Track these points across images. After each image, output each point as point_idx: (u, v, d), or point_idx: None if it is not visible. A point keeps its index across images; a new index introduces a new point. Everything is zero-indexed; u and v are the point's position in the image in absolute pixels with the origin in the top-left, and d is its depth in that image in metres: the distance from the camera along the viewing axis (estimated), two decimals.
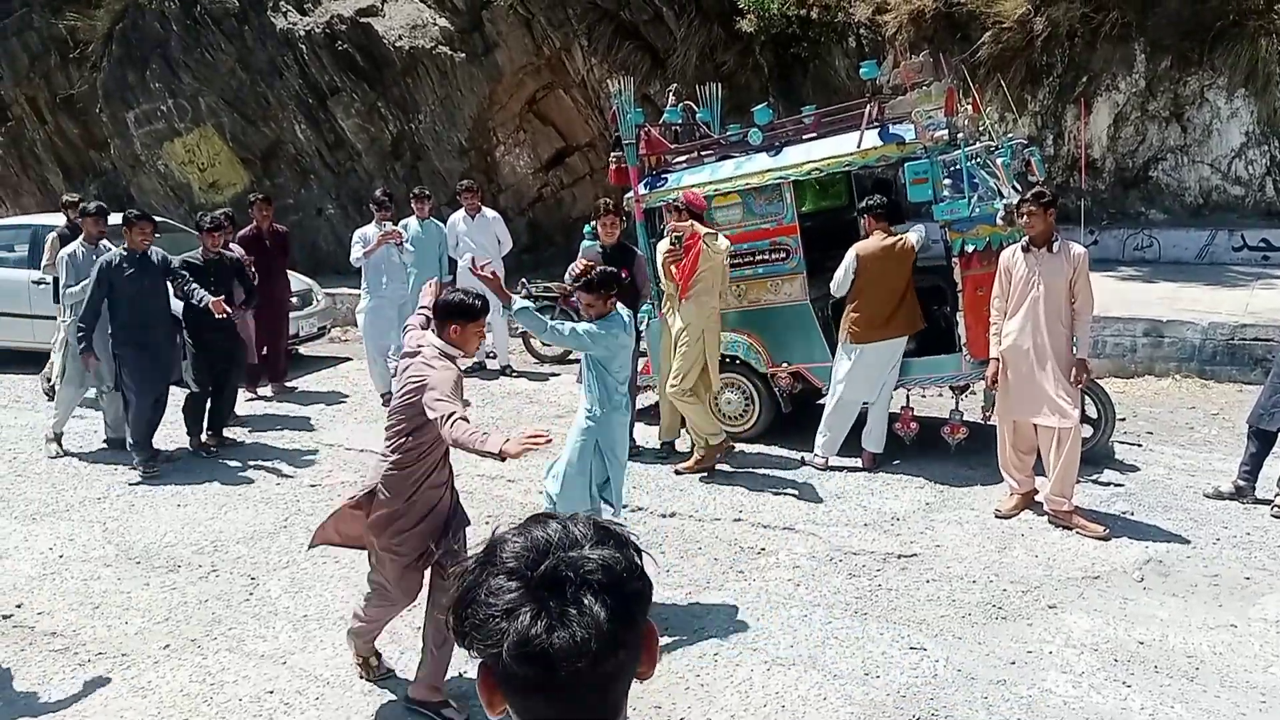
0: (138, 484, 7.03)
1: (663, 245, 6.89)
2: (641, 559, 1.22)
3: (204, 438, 7.78)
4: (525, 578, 1.14)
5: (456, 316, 4.02)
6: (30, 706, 4.24)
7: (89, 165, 16.67)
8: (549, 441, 3.64)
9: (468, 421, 3.74)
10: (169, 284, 7.38)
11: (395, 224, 9.19)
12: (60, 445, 7.81)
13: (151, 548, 5.89)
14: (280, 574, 5.48)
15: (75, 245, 7.75)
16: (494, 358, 10.21)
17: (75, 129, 16.45)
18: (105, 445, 7.94)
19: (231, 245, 8.36)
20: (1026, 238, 5.76)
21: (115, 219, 8.17)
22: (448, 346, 4.04)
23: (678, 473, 6.90)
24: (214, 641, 4.75)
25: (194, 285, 7.34)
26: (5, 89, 16.65)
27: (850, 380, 6.75)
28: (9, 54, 16.30)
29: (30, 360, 10.32)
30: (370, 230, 9.05)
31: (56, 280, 8.08)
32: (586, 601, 1.13)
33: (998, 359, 5.91)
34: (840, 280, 6.70)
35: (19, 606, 5.14)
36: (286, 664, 4.52)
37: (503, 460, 3.64)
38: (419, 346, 4.07)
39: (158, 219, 8.24)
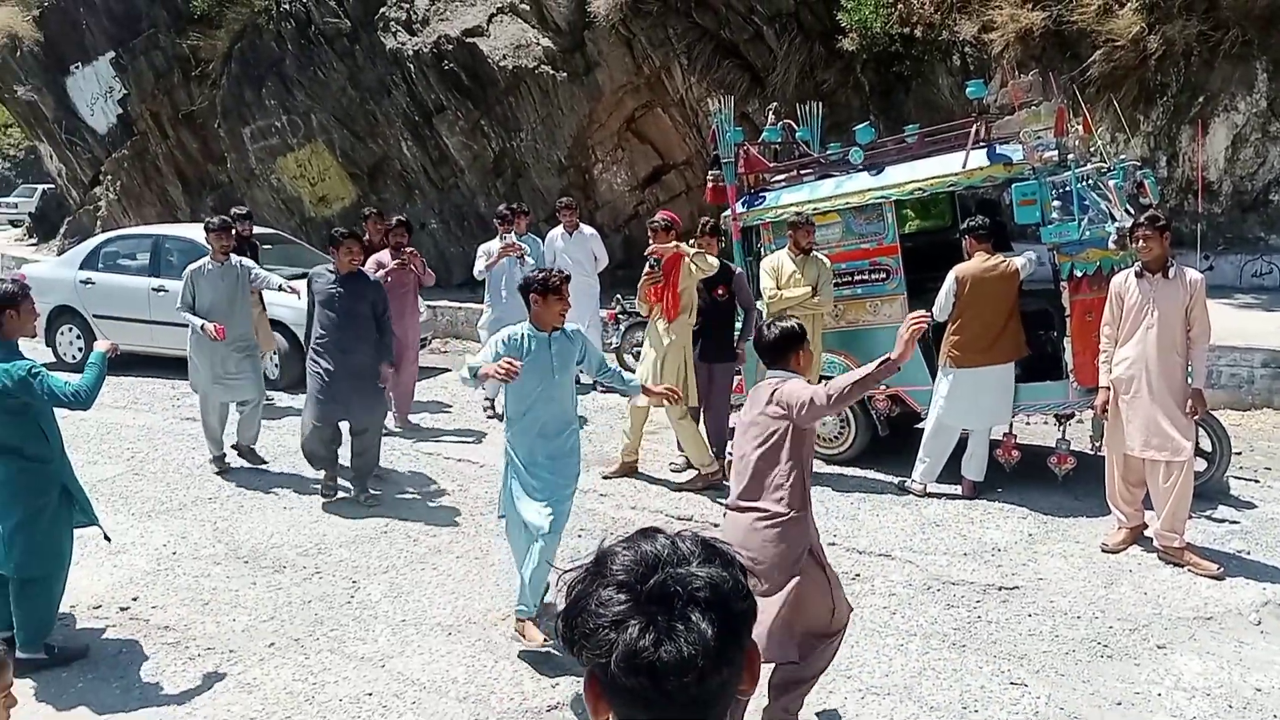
0: (253, 487, 7.24)
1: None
2: (746, 579, 1.23)
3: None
4: (634, 591, 1.17)
5: (792, 344, 3.84)
6: (145, 696, 4.42)
7: (206, 178, 17.40)
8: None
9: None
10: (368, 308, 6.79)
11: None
12: (222, 461, 7.58)
13: (259, 548, 6.09)
14: (380, 578, 5.62)
15: (204, 260, 7.49)
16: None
17: (195, 143, 17.20)
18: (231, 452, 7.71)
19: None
20: (1140, 263, 5.58)
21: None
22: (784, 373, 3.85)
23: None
24: (316, 641, 4.89)
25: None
26: (132, 105, 17.51)
27: (949, 405, 6.61)
28: (136, 72, 17.15)
29: (150, 364, 10.78)
30: (494, 244, 9.19)
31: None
32: (694, 618, 1.15)
33: (1108, 388, 5.72)
34: (942, 303, 6.58)
35: (135, 600, 5.37)
36: (385, 667, 4.63)
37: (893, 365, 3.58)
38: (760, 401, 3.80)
39: (269, 230, 8.54)
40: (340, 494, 6.92)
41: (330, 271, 6.88)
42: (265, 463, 7.73)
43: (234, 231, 7.96)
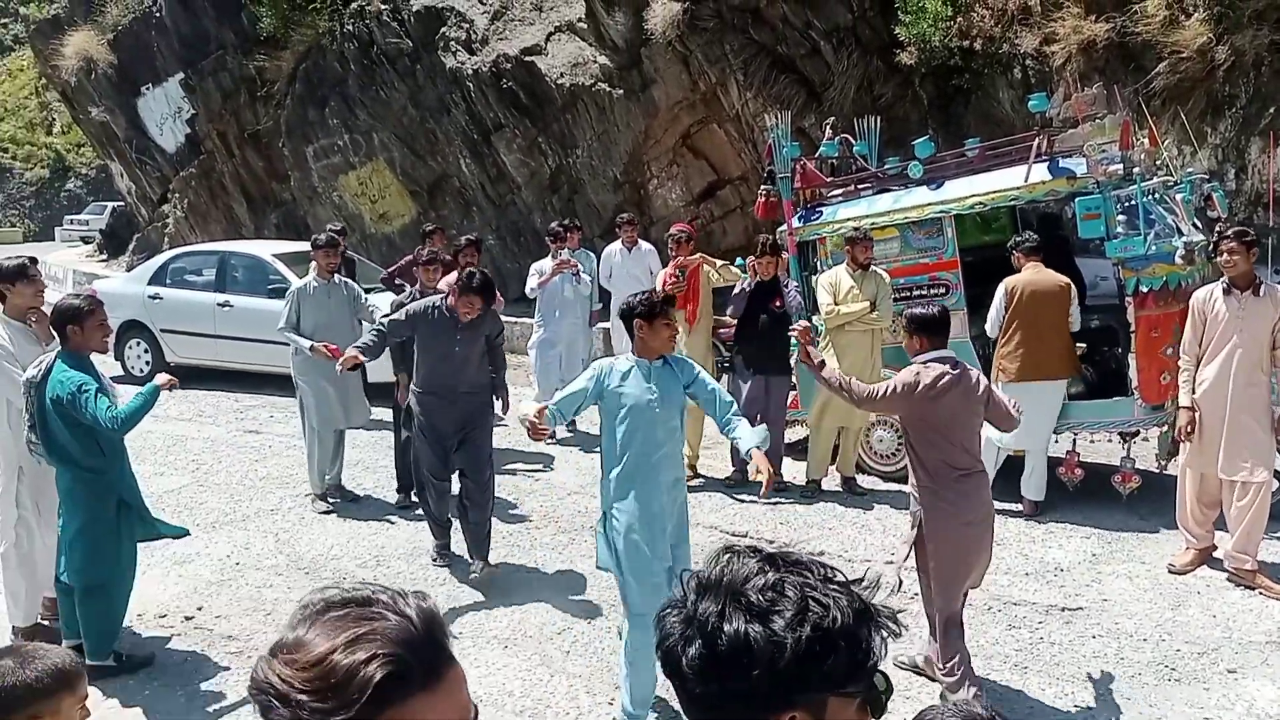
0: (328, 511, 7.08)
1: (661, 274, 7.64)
2: None
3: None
4: None
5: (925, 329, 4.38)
6: (208, 705, 4.51)
7: (270, 196, 17.78)
8: None
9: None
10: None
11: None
12: (325, 500, 7.18)
13: (319, 559, 6.18)
14: (437, 590, 5.66)
15: (309, 278, 7.24)
16: None
17: (260, 162, 17.58)
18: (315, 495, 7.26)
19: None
20: (1226, 279, 5.42)
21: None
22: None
23: None
24: None
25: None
26: (200, 125, 17.97)
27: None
28: (204, 93, 17.61)
29: (215, 378, 11.03)
30: (546, 262, 9.01)
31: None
32: None
33: (1191, 407, 5.54)
34: (993, 318, 6.53)
35: (200, 609, 5.49)
36: None
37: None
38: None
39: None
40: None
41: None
42: (357, 498, 7.36)
43: (340, 249, 7.58)
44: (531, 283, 9.03)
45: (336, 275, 7.32)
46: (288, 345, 7.51)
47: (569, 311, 8.97)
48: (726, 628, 1.13)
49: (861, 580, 1.23)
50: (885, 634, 1.19)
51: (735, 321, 7.45)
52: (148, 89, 18.52)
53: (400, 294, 7.42)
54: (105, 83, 18.63)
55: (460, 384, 5.78)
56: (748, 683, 1.12)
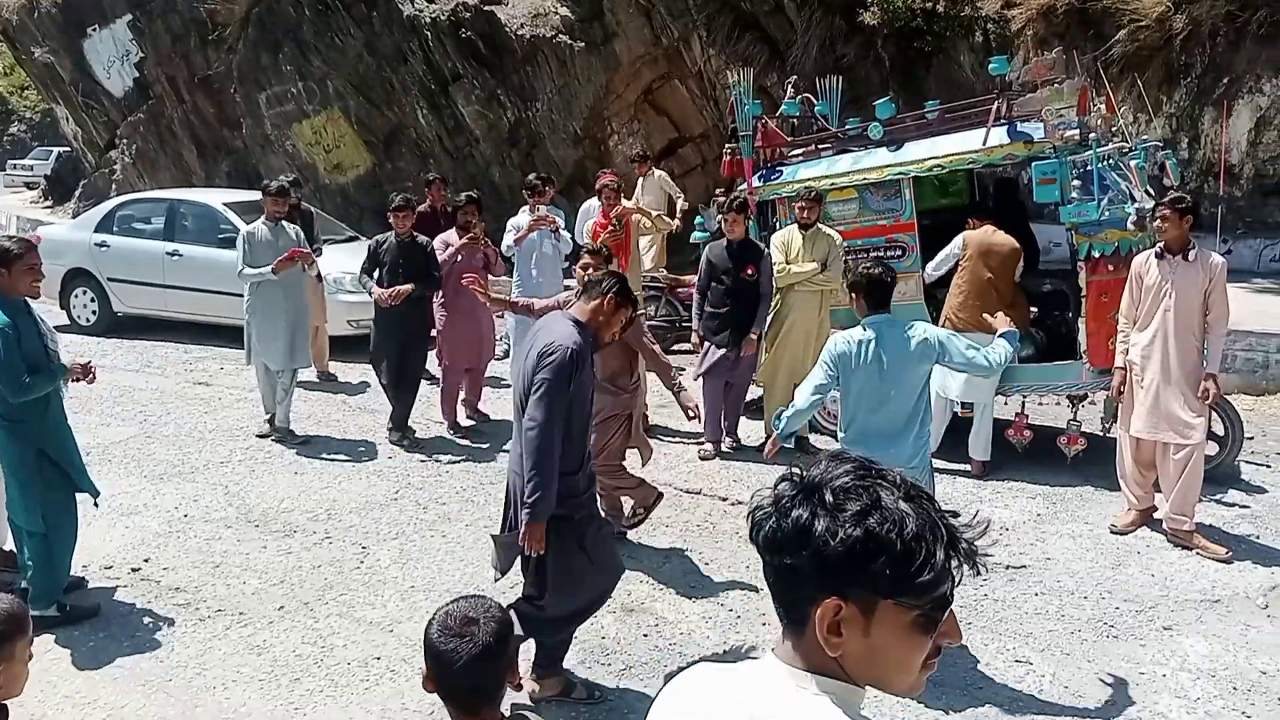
0: (271, 451, 7.28)
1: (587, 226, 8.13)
2: None
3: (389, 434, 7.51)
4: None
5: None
6: (155, 656, 4.47)
7: (221, 143, 17.38)
8: None
9: None
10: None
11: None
12: (273, 427, 7.56)
13: (269, 512, 6.13)
14: (390, 544, 5.65)
15: (257, 222, 7.63)
16: None
17: (211, 108, 17.16)
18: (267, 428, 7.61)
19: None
20: (1161, 244, 5.53)
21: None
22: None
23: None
24: (325, 606, 4.93)
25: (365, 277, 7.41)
26: (149, 68, 17.48)
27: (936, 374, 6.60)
28: (153, 35, 17.11)
29: (163, 328, 10.84)
30: (522, 217, 8.40)
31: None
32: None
33: (1124, 368, 5.70)
34: (938, 261, 6.70)
35: (146, 561, 5.42)
36: (393, 632, 4.66)
37: None
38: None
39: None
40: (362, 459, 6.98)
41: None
42: (302, 440, 7.49)
43: (290, 196, 7.93)
44: (507, 239, 8.42)
45: (284, 220, 7.61)
46: (239, 296, 7.53)
47: (547, 269, 8.32)
48: (794, 511, 1.27)
49: (958, 515, 1.31)
50: (962, 566, 1.27)
51: (694, 282, 7.45)
52: (94, 30, 17.95)
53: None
54: (49, 23, 18.04)
55: None
56: (800, 561, 1.26)
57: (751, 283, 7.06)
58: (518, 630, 3.57)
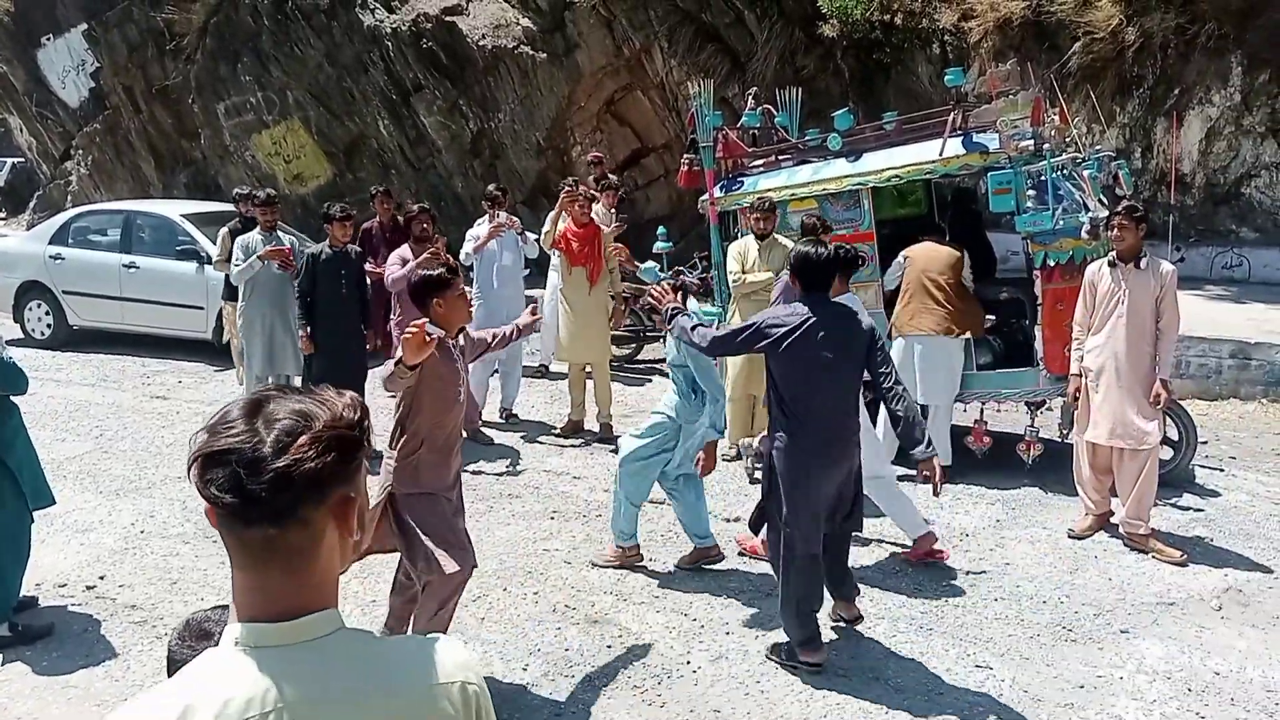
0: None
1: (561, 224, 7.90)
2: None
3: None
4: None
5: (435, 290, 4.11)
6: (111, 674, 4.39)
7: (180, 154, 17.18)
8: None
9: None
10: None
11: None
12: None
13: None
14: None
15: (254, 233, 7.66)
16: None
17: (169, 119, 16.95)
18: None
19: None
20: (1114, 252, 5.63)
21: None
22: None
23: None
24: None
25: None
26: (105, 79, 17.24)
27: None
28: (110, 45, 16.88)
29: (120, 341, 10.69)
30: (481, 226, 8.31)
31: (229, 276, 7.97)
32: None
33: (1079, 375, 5.79)
34: (889, 275, 6.84)
35: (102, 578, 5.33)
36: None
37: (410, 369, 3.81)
38: None
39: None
40: None
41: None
42: None
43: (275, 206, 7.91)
44: (467, 247, 8.30)
45: (277, 230, 7.69)
46: (198, 309, 7.47)
47: (508, 279, 8.31)
48: None
49: None
50: None
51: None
52: (48, 40, 17.70)
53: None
54: (1, 32, 17.76)
55: None
56: None
57: None
58: None
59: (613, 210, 8.97)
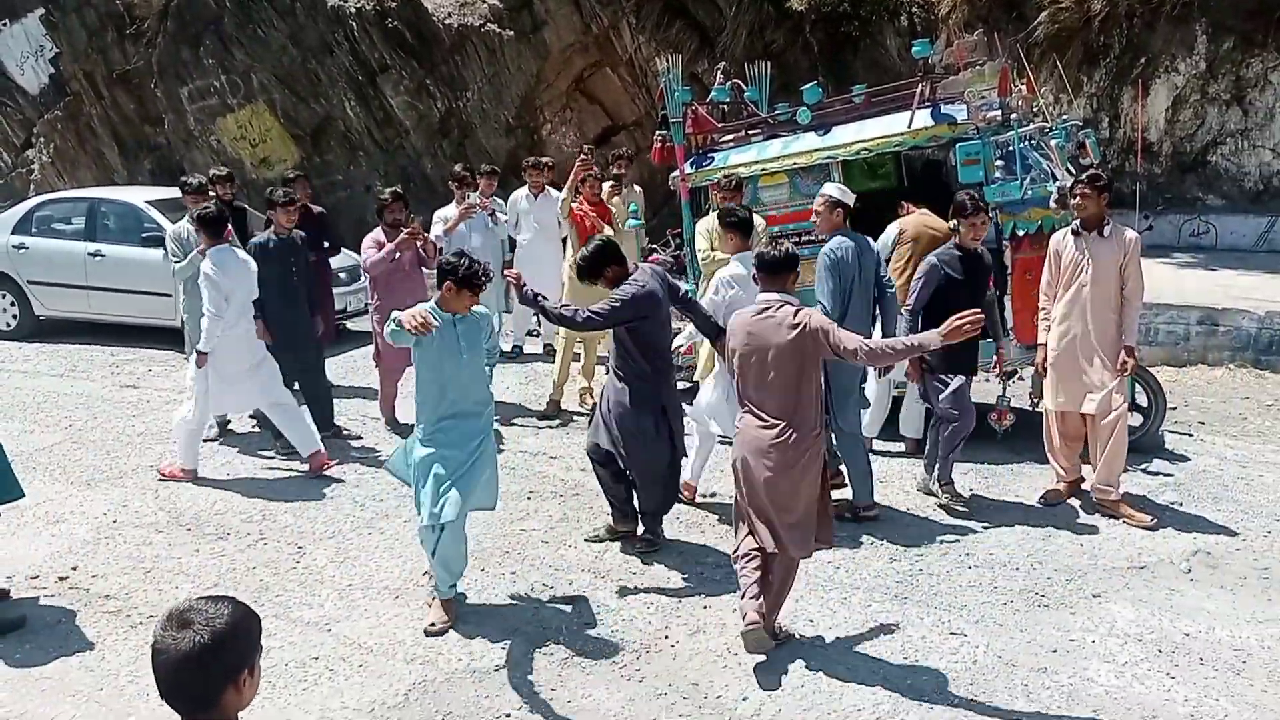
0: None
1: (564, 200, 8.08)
2: None
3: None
4: None
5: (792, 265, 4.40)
6: (85, 664, 4.36)
7: (144, 140, 16.91)
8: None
9: None
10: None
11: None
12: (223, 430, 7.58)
13: (202, 515, 6.01)
14: (326, 543, 5.58)
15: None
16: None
17: (131, 104, 16.68)
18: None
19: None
20: (1078, 220, 5.66)
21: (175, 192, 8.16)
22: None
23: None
24: (261, 608, 4.79)
25: None
26: (64, 65, 16.93)
27: None
28: (68, 30, 16.57)
29: (88, 331, 10.56)
30: (450, 209, 8.37)
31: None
32: None
33: (1045, 344, 5.83)
34: (883, 246, 6.74)
35: (74, 569, 5.28)
36: (331, 631, 4.61)
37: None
38: None
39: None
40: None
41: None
42: (229, 425, 7.71)
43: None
44: (436, 230, 8.29)
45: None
46: (165, 296, 7.33)
47: (479, 259, 8.45)
48: None
49: None
50: None
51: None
52: (4, 25, 17.34)
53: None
54: None
55: None
56: None
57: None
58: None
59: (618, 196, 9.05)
